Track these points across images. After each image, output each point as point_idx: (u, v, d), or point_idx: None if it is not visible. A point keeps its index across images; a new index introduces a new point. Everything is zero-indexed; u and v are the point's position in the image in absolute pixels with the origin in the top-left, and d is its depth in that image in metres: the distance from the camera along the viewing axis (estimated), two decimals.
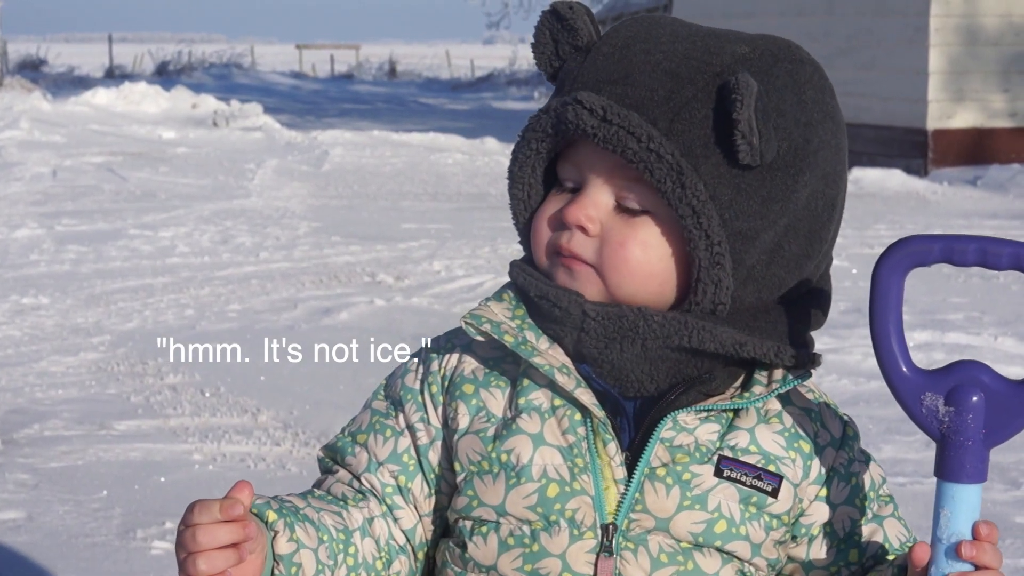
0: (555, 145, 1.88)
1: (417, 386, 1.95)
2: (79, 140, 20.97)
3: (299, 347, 8.26)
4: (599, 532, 1.82)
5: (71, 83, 36.84)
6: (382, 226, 13.24)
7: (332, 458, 2.00)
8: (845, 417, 1.97)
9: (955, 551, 1.68)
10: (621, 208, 1.85)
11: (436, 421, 1.93)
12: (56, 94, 29.65)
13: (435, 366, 1.94)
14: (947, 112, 17.48)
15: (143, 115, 25.78)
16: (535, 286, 1.87)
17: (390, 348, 8.17)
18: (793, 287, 1.90)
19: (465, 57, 58.56)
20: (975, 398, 1.67)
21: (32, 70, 41.26)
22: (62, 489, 5.87)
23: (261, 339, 8.56)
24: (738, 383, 1.90)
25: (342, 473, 1.98)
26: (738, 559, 1.86)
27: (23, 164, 17.56)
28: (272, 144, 21.44)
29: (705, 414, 1.86)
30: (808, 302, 1.93)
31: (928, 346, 8.02)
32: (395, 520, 1.94)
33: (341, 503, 1.94)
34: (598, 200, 1.85)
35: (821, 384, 6.91)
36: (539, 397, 1.86)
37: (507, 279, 1.96)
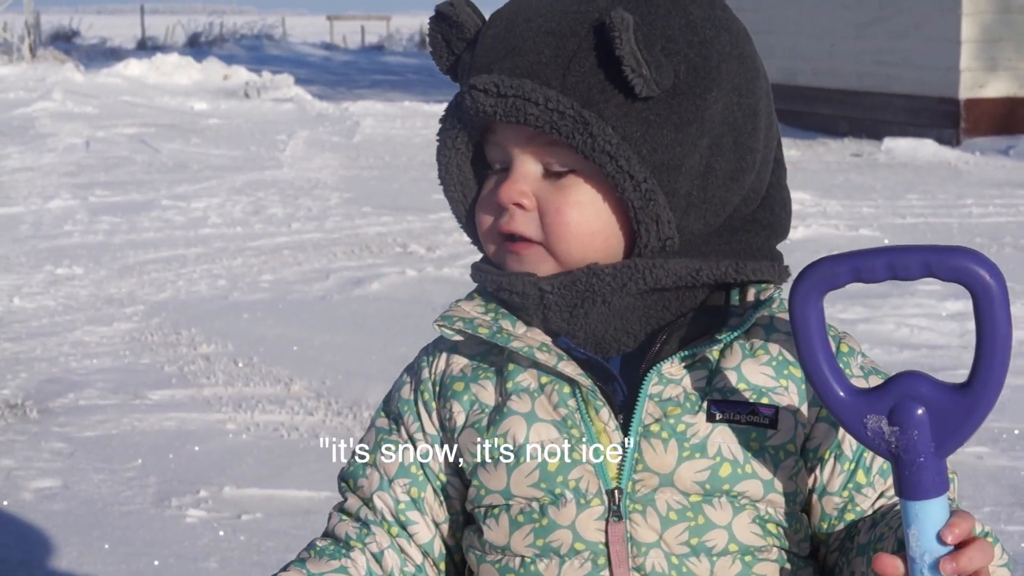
0: (471, 135, 1.89)
1: (412, 396, 1.96)
2: (112, 111, 21.03)
3: (330, 317, 8.29)
4: (605, 498, 1.82)
5: (103, 54, 36.90)
6: (413, 197, 13.26)
7: (347, 483, 2.00)
8: (837, 333, 1.93)
9: (935, 568, 1.63)
10: (548, 174, 1.84)
11: (432, 428, 1.94)
12: (88, 65, 29.72)
13: (425, 373, 1.96)
14: (979, 81, 17.38)
15: (175, 86, 25.84)
16: (490, 280, 1.88)
17: (420, 318, 8.21)
18: (741, 204, 1.89)
19: None
20: (918, 412, 1.63)
21: (65, 41, 41.36)
22: (97, 458, 5.92)
23: (294, 309, 8.60)
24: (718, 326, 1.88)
25: (351, 501, 1.98)
26: (751, 503, 1.83)
27: (56, 135, 17.63)
28: (303, 115, 21.47)
29: (690, 361, 1.84)
30: (762, 215, 1.92)
31: (961, 315, 8.01)
32: (410, 538, 1.94)
33: (344, 551, 1.93)
34: (526, 173, 1.85)
35: None
36: (526, 378, 1.86)
37: None
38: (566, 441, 1.83)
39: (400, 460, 1.94)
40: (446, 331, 1.89)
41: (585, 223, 1.82)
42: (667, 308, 1.85)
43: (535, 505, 1.83)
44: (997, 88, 17.43)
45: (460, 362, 1.93)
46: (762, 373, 1.85)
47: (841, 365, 1.79)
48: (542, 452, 1.83)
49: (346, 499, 1.99)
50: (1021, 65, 17.53)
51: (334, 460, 5.88)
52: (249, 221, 11.93)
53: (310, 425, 6.39)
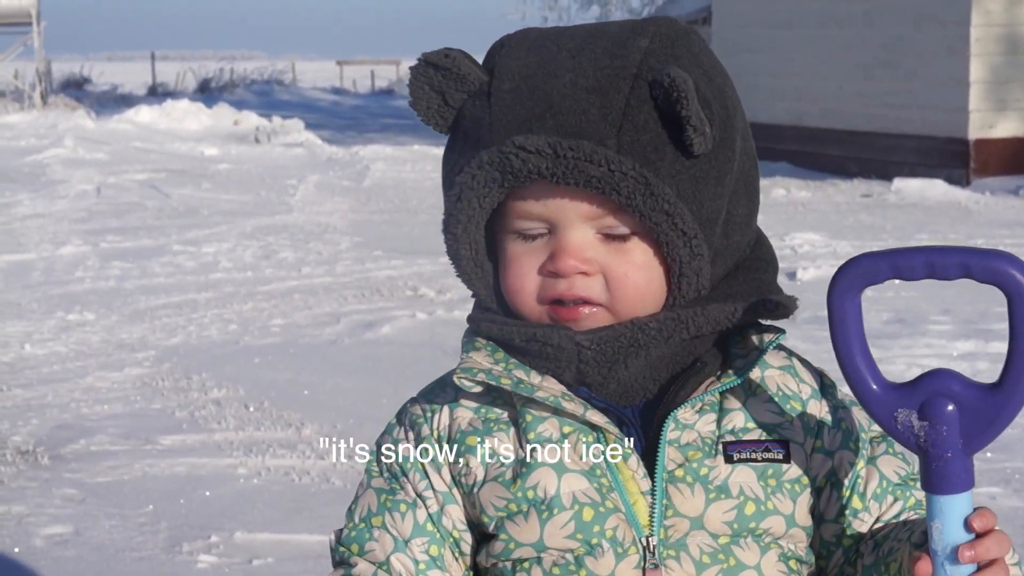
0: (496, 198, 1.84)
1: (413, 455, 1.89)
2: (122, 157, 21.10)
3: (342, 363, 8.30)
4: (640, 546, 1.81)
5: (114, 101, 37.08)
6: (423, 240, 13.27)
7: (349, 549, 1.91)
8: (819, 368, 1.97)
9: (955, 557, 1.66)
10: (607, 237, 1.82)
11: (442, 485, 1.88)
12: (100, 112, 29.85)
13: (425, 430, 1.89)
14: (989, 122, 17.40)
15: (186, 132, 25.94)
16: (519, 332, 1.84)
17: (431, 362, 8.21)
18: (746, 244, 1.93)
19: None
20: (948, 409, 1.66)
21: (76, 88, 41.58)
22: (108, 504, 5.92)
23: (305, 353, 8.61)
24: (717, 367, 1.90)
25: (362, 567, 1.89)
26: (775, 541, 1.85)
27: (67, 182, 17.69)
28: (314, 159, 21.53)
29: (700, 405, 1.86)
30: (762, 252, 1.96)
31: (972, 356, 8.00)
32: None
33: None
34: (582, 240, 1.81)
35: None
36: (547, 428, 1.83)
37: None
38: (596, 491, 1.82)
39: (414, 519, 1.88)
40: (467, 384, 1.83)
41: (646, 283, 1.83)
42: (689, 354, 1.87)
43: (570, 556, 1.81)
44: (1006, 128, 17.46)
45: (466, 415, 1.88)
46: (767, 410, 1.87)
47: (827, 396, 1.90)
48: (575, 503, 1.81)
49: (354, 565, 1.89)
50: None
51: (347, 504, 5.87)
52: (260, 265, 11.95)
53: (321, 469, 6.38)
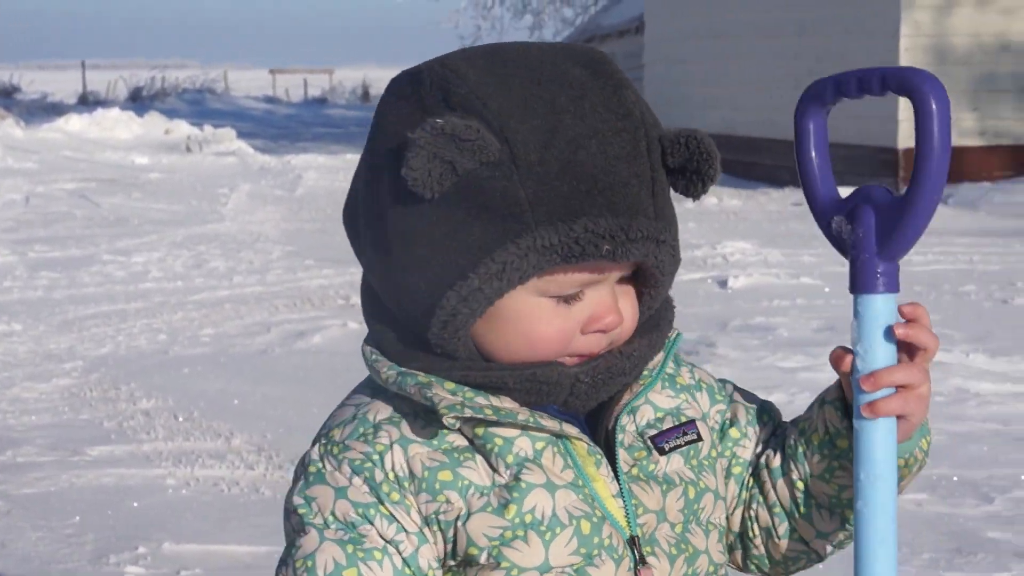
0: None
1: (371, 499, 1.80)
2: (52, 167, 20.93)
3: (272, 372, 8.26)
4: (628, 548, 1.84)
5: (44, 110, 36.75)
6: None
7: None
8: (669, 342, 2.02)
9: (873, 355, 1.80)
10: (618, 282, 1.85)
11: (413, 526, 1.81)
12: (29, 121, 29.58)
13: (379, 474, 1.80)
14: None
15: (116, 141, 25.76)
16: (513, 375, 1.80)
17: (362, 371, 8.18)
18: None
19: None
20: (867, 214, 1.81)
21: (5, 97, 41.19)
22: (35, 515, 5.86)
23: (235, 363, 8.56)
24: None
25: None
26: (710, 520, 1.91)
27: None
28: (246, 169, 21.44)
29: (628, 407, 1.91)
30: None
31: None
32: None
33: None
34: (612, 294, 1.83)
35: (795, 401, 6.95)
36: (521, 448, 1.81)
37: None
38: (583, 502, 1.82)
39: (392, 566, 1.79)
40: (455, 422, 1.78)
41: (637, 317, 1.88)
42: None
43: (571, 571, 1.81)
44: None
45: (422, 450, 1.81)
46: (666, 397, 1.93)
47: (685, 366, 1.99)
48: (571, 518, 1.81)
49: None
50: (958, 115, 17.71)
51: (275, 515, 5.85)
52: (190, 275, 11.88)
53: (251, 479, 6.35)
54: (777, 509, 1.97)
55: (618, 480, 1.85)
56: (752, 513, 1.98)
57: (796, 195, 17.33)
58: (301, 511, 1.80)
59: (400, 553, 1.79)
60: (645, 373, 1.91)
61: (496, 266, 1.75)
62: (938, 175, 1.76)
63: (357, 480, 1.79)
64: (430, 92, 1.78)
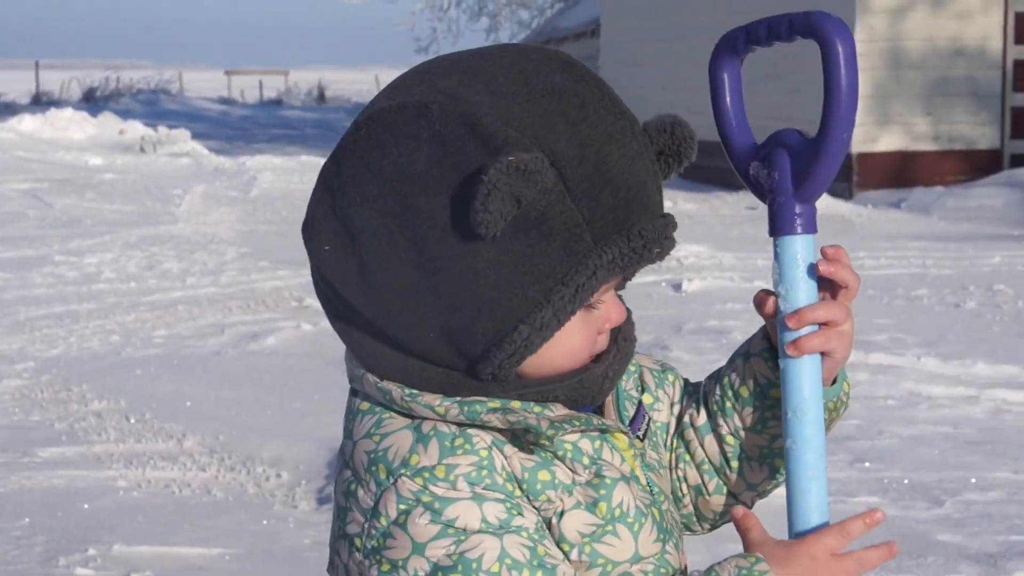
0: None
1: (503, 495, 1.76)
2: (4, 167, 20.79)
3: (226, 373, 8.23)
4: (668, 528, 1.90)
5: None
6: None
7: None
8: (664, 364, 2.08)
9: (795, 295, 1.84)
10: None
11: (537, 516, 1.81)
12: None
13: (497, 477, 1.76)
14: (872, 136, 17.63)
15: (69, 141, 25.60)
16: (563, 387, 1.81)
17: (316, 372, 8.16)
18: None
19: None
20: (781, 157, 1.85)
21: None
22: None
23: (188, 365, 8.52)
24: None
25: None
26: (670, 500, 1.95)
27: None
28: (200, 170, 21.35)
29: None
30: None
31: (851, 367, 8.08)
32: None
33: None
34: (615, 292, 1.87)
35: None
36: (585, 447, 1.83)
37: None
38: (643, 491, 1.87)
39: (553, 541, 1.80)
40: (551, 434, 1.76)
41: None
42: None
43: (654, 560, 1.85)
44: (889, 142, 17.70)
45: (517, 454, 1.79)
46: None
47: (664, 378, 2.02)
48: (646, 507, 1.85)
49: None
50: (912, 120, 17.82)
51: (227, 517, 5.82)
52: (143, 276, 11.82)
53: (203, 481, 6.32)
54: (706, 466, 1.99)
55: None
56: (680, 473, 2.00)
57: (750, 199, 17.38)
58: (449, 538, 1.72)
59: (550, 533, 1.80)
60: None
61: (569, 291, 1.74)
62: (846, 115, 1.80)
63: (477, 488, 1.74)
64: (447, 127, 1.72)
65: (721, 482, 1.99)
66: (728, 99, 1.94)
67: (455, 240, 1.70)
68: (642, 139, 1.81)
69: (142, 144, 24.66)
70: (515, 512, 1.75)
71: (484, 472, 1.74)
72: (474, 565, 1.70)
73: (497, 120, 1.71)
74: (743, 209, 16.56)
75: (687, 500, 2.01)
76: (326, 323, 9.53)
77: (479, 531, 1.72)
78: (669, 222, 1.80)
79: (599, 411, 1.90)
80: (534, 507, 1.78)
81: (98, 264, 12.40)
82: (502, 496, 1.75)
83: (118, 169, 21.33)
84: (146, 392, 7.83)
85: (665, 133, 1.84)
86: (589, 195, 1.73)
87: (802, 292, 1.83)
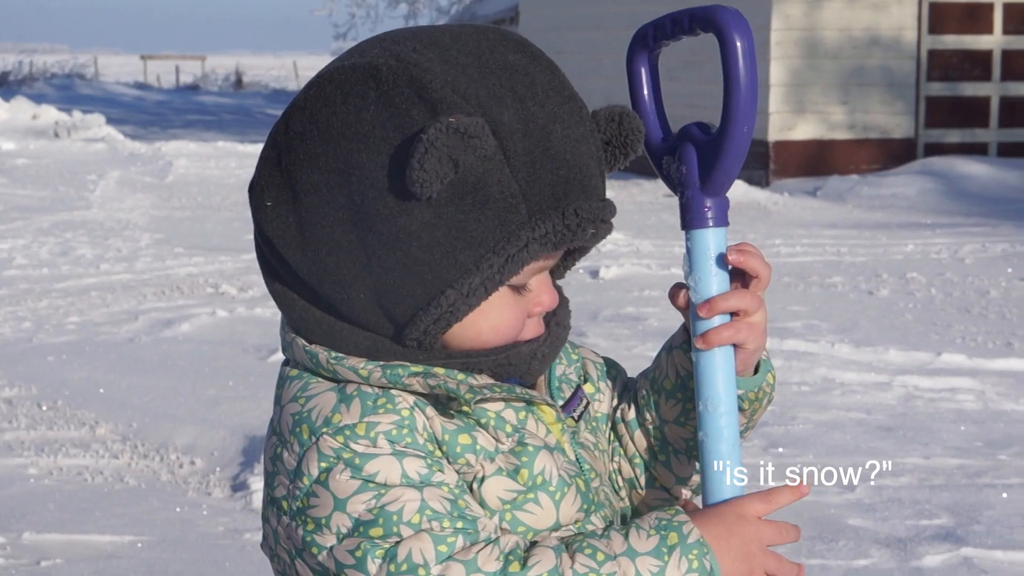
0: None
1: (423, 454, 1.76)
2: None
3: (141, 359, 8.17)
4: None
5: None
6: (226, 237, 13.13)
7: (474, 532, 1.74)
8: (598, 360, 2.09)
9: (705, 285, 1.84)
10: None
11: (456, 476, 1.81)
12: None
13: (418, 436, 1.77)
14: (788, 124, 17.76)
15: None
16: (487, 361, 1.82)
17: (231, 359, 8.11)
18: None
19: (313, 68, 58.15)
20: (688, 151, 1.86)
21: None
22: None
23: (101, 352, 8.44)
24: None
25: (508, 538, 1.77)
26: (611, 481, 1.97)
27: None
28: (115, 155, 21.15)
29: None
30: None
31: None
32: None
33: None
34: (548, 277, 1.89)
35: None
36: (509, 416, 1.84)
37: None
38: (569, 462, 1.87)
39: (478, 496, 1.81)
40: (469, 399, 1.77)
41: None
42: None
43: (573, 528, 1.85)
44: (805, 131, 17.83)
45: (438, 416, 1.80)
46: (556, 364, 1.97)
47: (607, 372, 2.04)
48: (570, 476, 1.85)
49: (496, 537, 1.76)
50: (828, 108, 17.95)
51: (139, 505, 5.77)
52: (56, 262, 11.70)
53: (115, 468, 6.26)
54: (637, 460, 2.01)
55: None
56: (615, 466, 2.01)
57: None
58: (370, 492, 1.72)
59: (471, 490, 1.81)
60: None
61: (499, 260, 1.76)
62: (746, 109, 1.80)
63: (400, 445, 1.75)
64: (396, 88, 1.74)
65: (651, 476, 2.00)
66: (644, 93, 1.94)
67: (391, 200, 1.73)
68: (589, 124, 1.83)
69: (56, 129, 24.39)
70: (436, 469, 1.76)
71: (405, 431, 1.75)
72: (395, 518, 1.71)
73: (444, 86, 1.74)
74: (660, 196, 16.62)
75: (623, 493, 2.01)
76: (241, 310, 9.48)
77: (399, 485, 1.73)
78: (608, 207, 1.82)
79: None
80: (454, 469, 1.79)
81: (10, 250, 12.26)
82: (422, 454, 1.76)
83: (31, 154, 21.08)
84: (58, 379, 7.75)
85: (613, 123, 1.86)
86: (529, 168, 1.75)
87: (713, 284, 1.84)
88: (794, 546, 5.22)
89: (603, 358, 2.05)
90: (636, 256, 11.99)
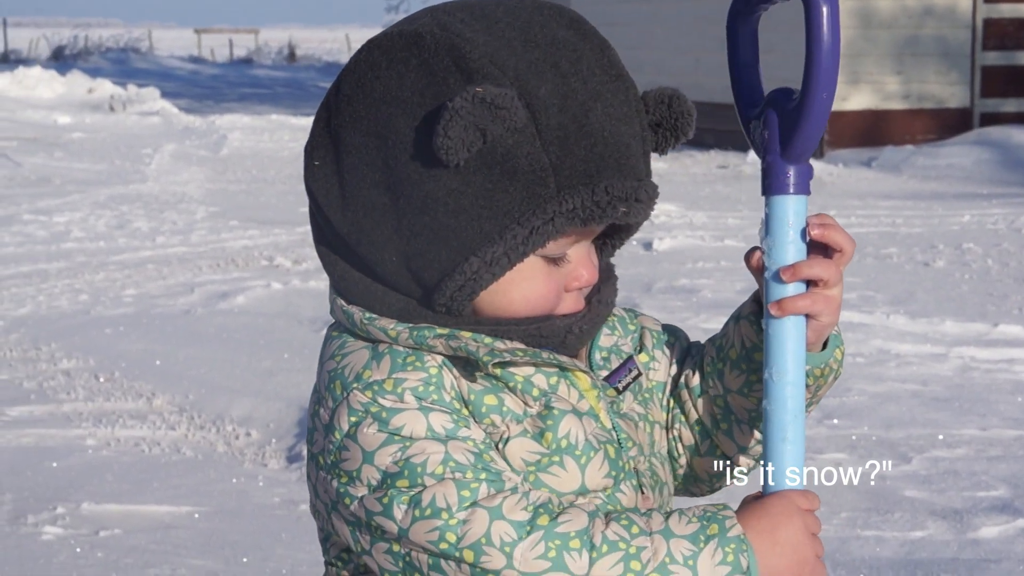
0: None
1: (449, 411, 1.78)
2: None
3: (196, 332, 8.22)
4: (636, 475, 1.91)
5: None
6: (280, 210, 13.17)
7: (495, 483, 1.75)
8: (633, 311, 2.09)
9: (782, 253, 1.82)
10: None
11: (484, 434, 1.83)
12: None
13: (444, 394, 1.79)
14: (842, 94, 17.64)
15: (38, 100, 25.45)
16: (518, 331, 1.83)
17: (286, 331, 8.15)
18: None
19: (365, 41, 58.21)
20: (771, 117, 1.85)
21: None
22: None
23: (157, 324, 8.50)
24: None
25: (529, 489, 1.79)
26: (661, 451, 1.98)
27: None
28: (170, 129, 21.26)
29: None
30: None
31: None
32: None
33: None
34: (589, 252, 1.88)
35: None
36: (539, 381, 1.85)
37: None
38: (601, 429, 1.87)
39: (504, 453, 1.82)
40: (487, 361, 1.79)
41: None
42: None
43: (602, 495, 1.85)
44: (859, 101, 17.71)
45: (465, 377, 1.83)
46: (603, 334, 1.96)
47: (630, 319, 2.03)
48: (600, 442, 1.85)
49: (516, 484, 1.77)
50: (882, 79, 17.83)
51: (197, 475, 5.82)
52: (113, 235, 11.77)
53: (172, 440, 6.31)
54: (699, 427, 2.01)
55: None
56: (676, 433, 2.01)
57: (721, 158, 17.39)
58: (396, 445, 1.75)
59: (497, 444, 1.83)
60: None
61: (524, 231, 1.78)
62: (828, 74, 1.78)
63: (427, 402, 1.78)
64: (436, 57, 1.78)
65: (713, 444, 2.00)
66: (739, 56, 1.93)
67: (422, 165, 1.76)
68: (636, 104, 1.84)
69: (111, 103, 24.54)
70: (462, 424, 1.78)
71: (432, 388, 1.79)
72: (419, 469, 1.73)
73: (483, 57, 1.76)
74: (714, 168, 16.57)
75: (683, 460, 2.01)
76: (296, 282, 9.52)
77: (424, 438, 1.76)
78: (644, 187, 1.81)
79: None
80: (481, 428, 1.81)
81: (67, 223, 12.34)
82: (448, 411, 1.78)
83: (87, 128, 21.22)
84: (115, 351, 7.81)
85: (663, 105, 1.87)
86: (561, 143, 1.77)
87: (791, 251, 1.82)
88: (849, 518, 5.21)
89: (664, 325, 2.05)
90: (689, 228, 11.96)
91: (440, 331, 1.82)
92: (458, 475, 1.73)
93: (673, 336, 2.04)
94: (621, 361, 1.96)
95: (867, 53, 17.72)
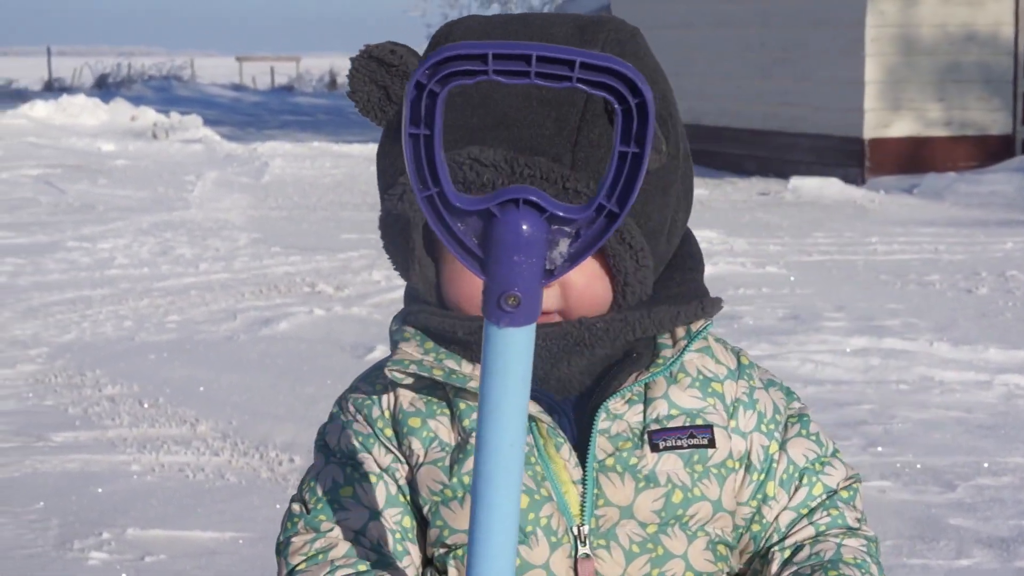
0: None
1: (370, 430, 1.84)
2: (16, 153, 20.82)
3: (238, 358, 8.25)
4: (571, 535, 1.80)
5: (9, 96, 36.56)
6: (322, 236, 13.22)
7: (316, 519, 1.84)
8: (736, 348, 1.96)
9: None
10: None
11: (400, 461, 1.84)
12: None
13: (376, 411, 1.85)
14: (884, 121, 17.61)
15: (82, 128, 25.64)
16: (462, 326, 1.79)
17: (328, 357, 8.17)
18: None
19: None
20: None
21: None
22: None
23: (201, 350, 8.54)
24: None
25: (337, 532, 1.83)
26: (702, 528, 1.85)
27: None
28: (212, 156, 21.36)
29: (629, 396, 1.84)
30: (692, 249, 1.94)
31: (865, 351, 8.08)
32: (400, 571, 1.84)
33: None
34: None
35: None
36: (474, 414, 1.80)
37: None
38: (530, 478, 1.80)
39: (385, 491, 1.83)
40: (399, 376, 1.80)
41: (601, 290, 1.79)
42: (626, 349, 1.84)
43: None
44: (901, 128, 17.66)
45: (408, 396, 1.84)
46: (689, 396, 1.86)
47: (743, 376, 1.91)
48: None
49: (328, 530, 1.83)
50: (924, 105, 17.78)
51: (241, 501, 5.84)
52: (156, 262, 11.84)
53: (216, 466, 6.33)
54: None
55: (583, 467, 1.81)
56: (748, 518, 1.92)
57: (762, 184, 17.37)
58: (318, 445, 1.92)
59: (395, 481, 1.85)
60: (659, 361, 1.84)
61: (399, 188, 1.80)
62: None
63: (359, 416, 1.88)
64: (433, 39, 1.85)
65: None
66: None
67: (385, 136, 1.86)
68: (581, 96, 1.75)
69: (154, 130, 24.69)
70: (365, 450, 1.86)
71: (368, 403, 1.88)
72: (307, 476, 1.90)
73: (441, 35, 1.83)
74: (755, 195, 16.54)
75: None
76: (338, 308, 9.54)
77: (328, 450, 1.90)
78: (531, 163, 1.73)
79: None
80: (398, 452, 1.85)
81: (111, 250, 12.42)
82: (367, 432, 1.86)
83: (130, 155, 21.35)
84: (159, 377, 7.85)
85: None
86: (459, 110, 1.76)
87: None
88: (895, 546, 5.19)
89: (809, 461, 1.93)
90: (730, 254, 11.94)
91: (406, 334, 1.86)
92: (307, 496, 1.88)
93: (805, 487, 1.92)
94: (689, 424, 1.85)
95: (909, 80, 17.68)
